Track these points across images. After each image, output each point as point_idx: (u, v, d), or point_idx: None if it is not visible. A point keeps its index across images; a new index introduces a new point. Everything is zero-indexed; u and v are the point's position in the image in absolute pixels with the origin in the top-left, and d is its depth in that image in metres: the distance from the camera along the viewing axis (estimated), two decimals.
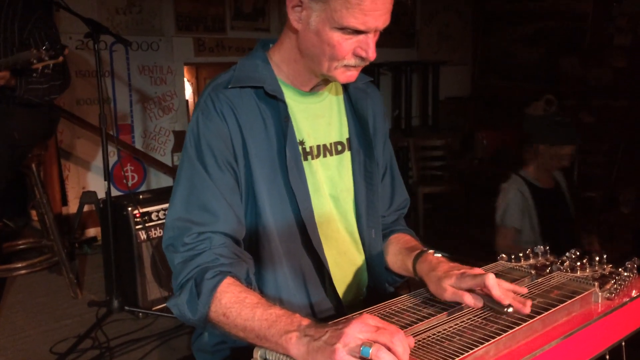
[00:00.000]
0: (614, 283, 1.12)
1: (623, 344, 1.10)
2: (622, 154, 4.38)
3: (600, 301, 1.09)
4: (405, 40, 5.98)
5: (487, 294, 1.00)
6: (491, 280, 0.98)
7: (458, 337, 0.92)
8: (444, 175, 4.83)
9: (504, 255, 1.28)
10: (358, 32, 1.05)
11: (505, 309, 0.96)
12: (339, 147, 1.24)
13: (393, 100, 5.78)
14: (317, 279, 1.19)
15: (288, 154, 1.12)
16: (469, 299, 1.00)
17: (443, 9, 6.22)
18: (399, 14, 5.82)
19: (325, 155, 1.21)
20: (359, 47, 1.07)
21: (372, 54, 1.08)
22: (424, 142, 4.88)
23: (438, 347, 0.89)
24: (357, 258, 1.28)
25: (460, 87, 6.52)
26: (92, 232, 3.89)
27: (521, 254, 1.28)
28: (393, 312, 1.04)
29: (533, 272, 1.20)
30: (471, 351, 0.86)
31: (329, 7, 1.03)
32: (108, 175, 2.44)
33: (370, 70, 5.19)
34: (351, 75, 1.12)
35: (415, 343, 0.89)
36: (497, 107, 6.01)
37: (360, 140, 1.26)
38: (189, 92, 5.06)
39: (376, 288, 1.30)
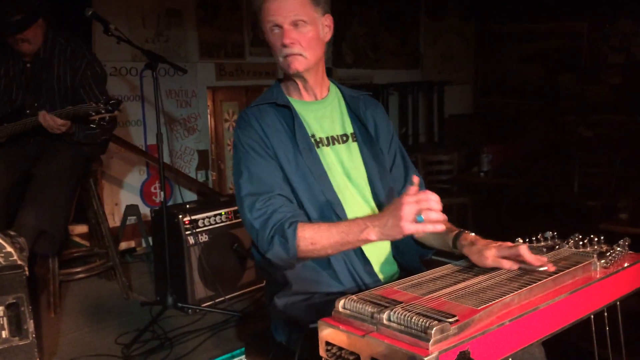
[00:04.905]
0: (609, 256, 1.41)
1: (618, 303, 1.39)
2: (620, 165, 4.64)
3: (598, 269, 1.37)
4: (410, 62, 6.32)
5: (521, 260, 1.33)
6: (524, 249, 1.32)
7: (490, 290, 1.20)
8: (452, 188, 5.12)
9: (519, 239, 1.56)
10: (278, 27, 1.44)
11: (539, 268, 1.30)
12: (344, 138, 1.61)
13: (400, 118, 6.09)
14: None
15: (301, 144, 1.50)
16: (506, 264, 1.33)
17: (446, 31, 6.57)
18: (404, 37, 6.18)
19: (334, 144, 1.58)
20: (280, 38, 1.45)
21: (284, 40, 1.44)
22: (431, 158, 5.17)
23: (475, 296, 1.17)
24: None
25: (464, 104, 6.84)
26: (126, 244, 4.15)
27: (534, 238, 1.57)
28: (437, 277, 1.33)
29: (544, 250, 1.48)
30: (500, 299, 1.15)
31: (261, 21, 1.47)
32: (163, 186, 2.74)
33: (378, 91, 5.55)
34: (293, 64, 1.47)
35: (457, 292, 1.18)
36: (499, 123, 6.32)
37: (364, 136, 1.63)
38: None
39: (401, 249, 1.62)
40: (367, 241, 1.26)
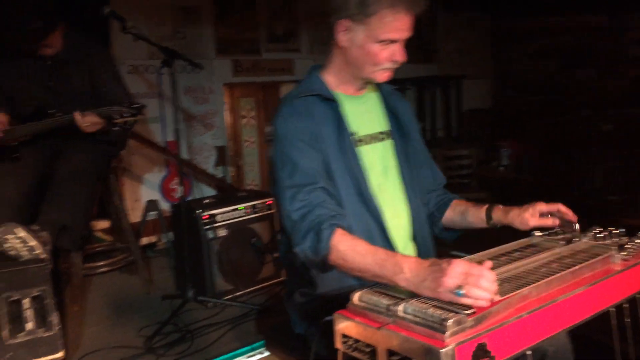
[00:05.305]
0: (630, 248, 1.40)
1: (638, 296, 1.38)
2: None
3: (618, 261, 1.37)
4: (426, 57, 6.29)
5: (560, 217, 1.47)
6: (561, 205, 1.47)
7: (507, 283, 1.20)
8: (471, 182, 5.10)
9: (537, 232, 1.56)
10: (392, 42, 1.43)
11: (574, 225, 1.45)
12: (382, 136, 1.62)
13: (418, 113, 6.07)
14: (380, 238, 1.52)
15: (344, 142, 1.50)
16: (548, 221, 1.47)
17: (462, 26, 6.52)
18: (420, 32, 6.15)
19: (373, 142, 1.58)
20: (393, 54, 1.45)
21: (403, 57, 1.46)
22: (450, 153, 5.16)
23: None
24: (407, 221, 1.61)
25: (482, 99, 6.79)
26: (147, 239, 4.21)
27: (552, 230, 1.56)
28: None
29: (563, 242, 1.48)
30: (518, 291, 1.15)
31: (370, 28, 1.42)
32: (182, 182, 2.78)
33: (395, 86, 5.53)
34: (387, 75, 1.51)
35: None
36: (518, 117, 6.26)
37: (398, 132, 1.64)
38: None
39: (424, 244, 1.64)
40: (397, 285, 1.19)
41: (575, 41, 6.02)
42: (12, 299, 2.10)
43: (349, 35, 1.45)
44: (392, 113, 1.64)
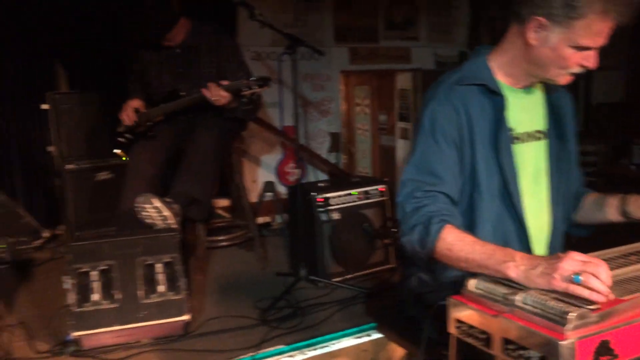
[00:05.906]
0: None
1: None
2: None
3: None
4: None
5: None
6: None
7: (637, 282, 1.15)
8: (597, 181, 4.76)
9: None
10: (588, 48, 1.35)
11: None
12: (539, 135, 1.53)
13: None
14: (518, 243, 1.47)
15: (501, 138, 1.43)
16: None
17: None
18: None
19: (528, 141, 1.51)
20: (585, 59, 1.36)
21: (595, 64, 1.37)
22: None
23: (620, 286, 1.12)
24: (547, 230, 1.55)
25: (613, 92, 6.29)
26: (262, 219, 4.42)
27: None
28: None
29: None
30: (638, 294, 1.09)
31: (571, 31, 1.32)
32: (299, 165, 2.91)
33: None
34: (570, 79, 1.42)
35: None
36: None
37: (555, 132, 1.54)
38: None
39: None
40: (505, 275, 1.15)
41: None
42: (147, 262, 2.32)
43: (541, 34, 1.35)
44: (552, 110, 1.55)
